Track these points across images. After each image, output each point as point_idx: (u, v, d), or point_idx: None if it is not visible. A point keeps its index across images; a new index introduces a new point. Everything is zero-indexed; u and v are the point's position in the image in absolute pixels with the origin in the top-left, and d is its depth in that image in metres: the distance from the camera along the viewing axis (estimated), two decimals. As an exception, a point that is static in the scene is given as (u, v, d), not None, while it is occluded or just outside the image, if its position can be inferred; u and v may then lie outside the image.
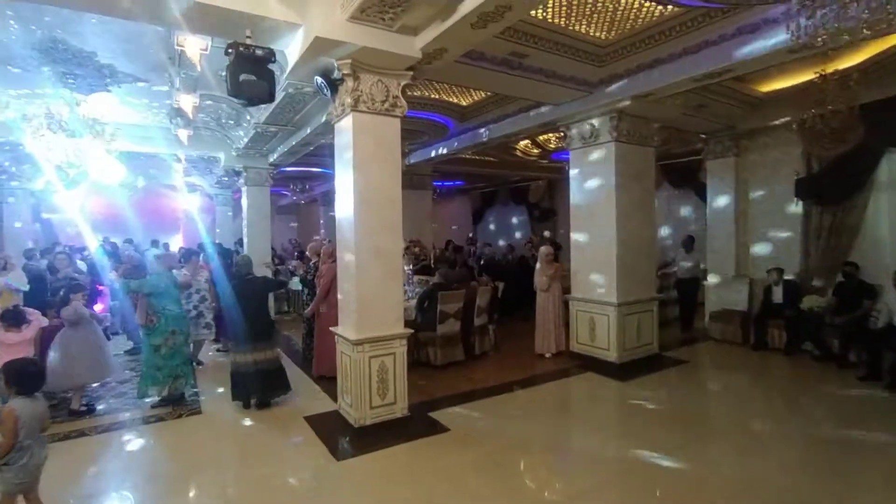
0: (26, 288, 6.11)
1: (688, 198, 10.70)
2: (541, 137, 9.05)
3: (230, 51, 3.47)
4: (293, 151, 7.83)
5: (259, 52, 3.54)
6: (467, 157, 10.69)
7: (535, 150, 10.21)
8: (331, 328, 4.50)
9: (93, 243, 10.49)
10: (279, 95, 5.27)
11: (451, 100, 6.71)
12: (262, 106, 6.07)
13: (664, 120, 6.32)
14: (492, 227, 17.33)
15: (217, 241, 11.61)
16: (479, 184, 16.31)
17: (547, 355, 6.53)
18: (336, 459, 3.79)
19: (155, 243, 12.38)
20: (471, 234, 16.17)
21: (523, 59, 4.88)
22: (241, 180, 9.07)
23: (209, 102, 6.30)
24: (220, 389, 5.40)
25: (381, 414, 4.20)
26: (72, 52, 4.82)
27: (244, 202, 9.27)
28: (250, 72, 3.58)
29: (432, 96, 6.47)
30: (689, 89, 5.26)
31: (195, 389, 5.29)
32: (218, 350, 6.99)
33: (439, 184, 15.14)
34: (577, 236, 6.43)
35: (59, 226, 13.27)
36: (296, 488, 3.47)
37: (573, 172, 6.44)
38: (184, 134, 7.35)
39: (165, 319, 4.85)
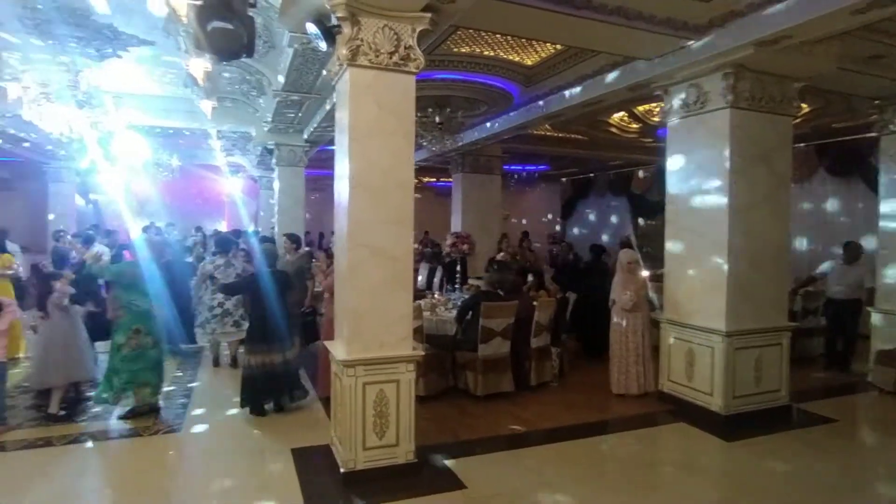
0: (12, 272, 6.54)
1: (852, 190, 9.16)
2: (639, 108, 8.15)
3: (195, -9, 3.26)
4: (326, 124, 7.74)
5: (230, -10, 3.29)
6: (546, 133, 10.03)
7: (635, 126, 9.29)
8: (325, 342, 4.22)
9: (135, 228, 11.33)
10: (287, 53, 5.08)
11: (510, 57, 6.14)
12: (279, 70, 6.01)
13: (811, 78, 5.26)
14: (584, 221, 16.39)
15: (257, 229, 12.05)
16: (569, 169, 15.47)
17: (636, 393, 5.88)
18: (306, 513, 3.49)
19: (199, 229, 13.22)
20: (553, 233, 15.38)
21: (593, -9, 4.23)
22: (273, 160, 9.21)
23: (227, 67, 6.34)
24: (216, 404, 5.40)
25: (378, 457, 3.84)
26: (65, 10, 4.97)
27: (275, 184, 9.43)
28: (223, 17, 3.36)
29: (486, 53, 5.96)
30: (852, 29, 4.24)
31: (184, 401, 5.34)
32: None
33: (517, 167, 14.54)
34: (673, 240, 5.60)
35: (106, 207, 14.65)
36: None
37: (670, 153, 5.62)
38: (207, 106, 7.51)
39: (130, 315, 4.85)
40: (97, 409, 5.16)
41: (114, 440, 4.59)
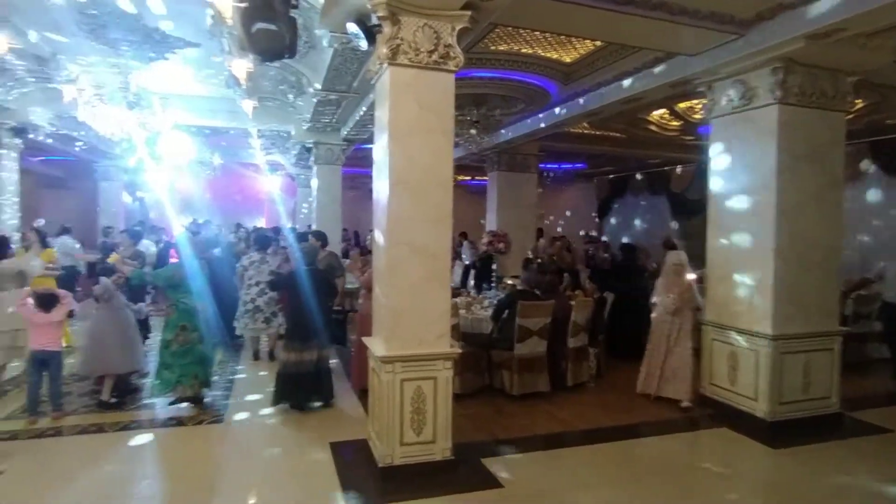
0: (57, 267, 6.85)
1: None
2: (680, 105, 7.96)
3: (241, -6, 3.36)
4: (363, 123, 7.83)
5: (275, -7, 3.38)
6: (584, 131, 9.91)
7: (675, 123, 9.07)
8: (363, 338, 4.27)
9: (177, 225, 11.72)
10: (327, 53, 5.16)
11: (549, 55, 6.09)
12: (319, 70, 6.11)
13: (865, 71, 5.05)
14: (621, 220, 16.11)
15: (294, 226, 12.29)
16: (605, 167, 15.22)
17: (652, 395, 5.71)
18: (345, 506, 3.55)
19: (239, 226, 13.58)
20: (589, 233, 15.14)
21: (636, -13, 4.15)
22: (312, 158, 9.38)
23: (267, 67, 6.47)
24: (256, 396, 5.53)
25: (415, 454, 3.86)
26: (117, 15, 5.18)
27: (314, 182, 9.60)
28: (266, 19, 3.45)
29: (524, 51, 5.91)
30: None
31: (227, 392, 5.54)
32: None
33: (553, 166, 14.39)
34: (717, 239, 5.45)
35: (151, 205, 15.18)
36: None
37: (714, 151, 5.47)
38: (248, 105, 7.70)
39: (177, 313, 5.05)
40: (147, 397, 5.39)
41: (161, 428, 4.76)
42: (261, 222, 15.72)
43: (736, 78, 5.07)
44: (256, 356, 6.88)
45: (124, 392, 5.35)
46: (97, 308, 5.29)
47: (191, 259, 5.40)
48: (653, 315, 5.88)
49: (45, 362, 4.72)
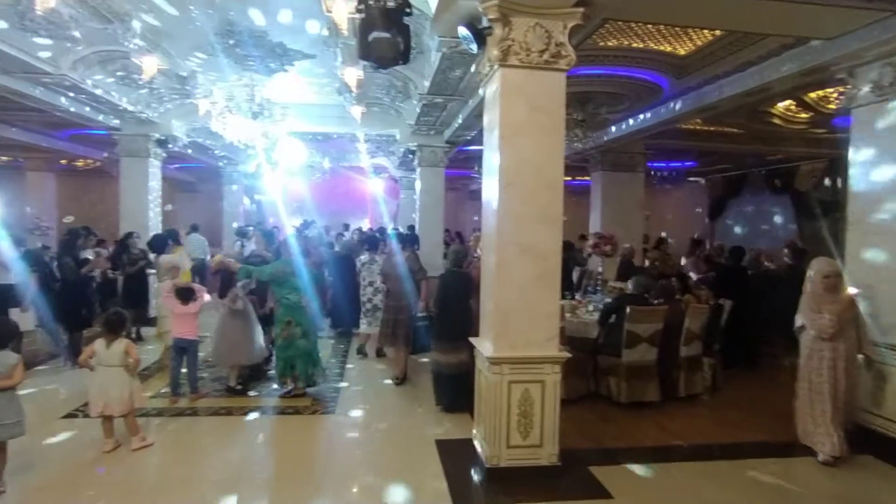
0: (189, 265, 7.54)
1: None
2: (810, 95, 7.23)
3: (360, 6, 3.52)
4: (467, 126, 7.93)
5: (391, 2, 3.50)
6: (696, 127, 9.31)
7: (804, 115, 8.25)
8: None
9: (289, 226, 12.57)
10: (435, 58, 5.27)
11: (661, 48, 5.79)
12: (425, 75, 6.28)
13: None
14: (736, 222, 14.98)
15: (396, 227, 12.70)
16: (719, 165, 14.21)
17: (821, 458, 4.36)
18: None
19: (346, 227, 14.30)
20: (696, 236, 14.19)
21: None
22: (416, 160, 9.64)
23: (375, 75, 6.76)
24: (365, 390, 5.80)
25: (521, 457, 3.84)
26: (247, 33, 5.65)
27: (417, 184, 9.85)
28: (382, 28, 3.58)
29: (634, 45, 5.67)
30: None
31: (339, 385, 5.88)
32: None
33: (660, 164, 13.69)
34: (861, 244, 4.86)
35: (268, 207, 16.41)
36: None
37: (855, 145, 4.92)
38: (357, 111, 8.09)
39: (283, 309, 5.39)
40: (267, 386, 5.84)
41: (279, 415, 5.15)
42: (364, 223, 16.44)
43: (886, 61, 4.51)
44: (360, 351, 7.18)
45: (248, 380, 5.82)
46: (222, 305, 5.83)
47: (298, 257, 5.76)
48: (802, 342, 4.64)
49: (184, 349, 5.27)
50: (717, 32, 5.30)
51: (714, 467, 4.28)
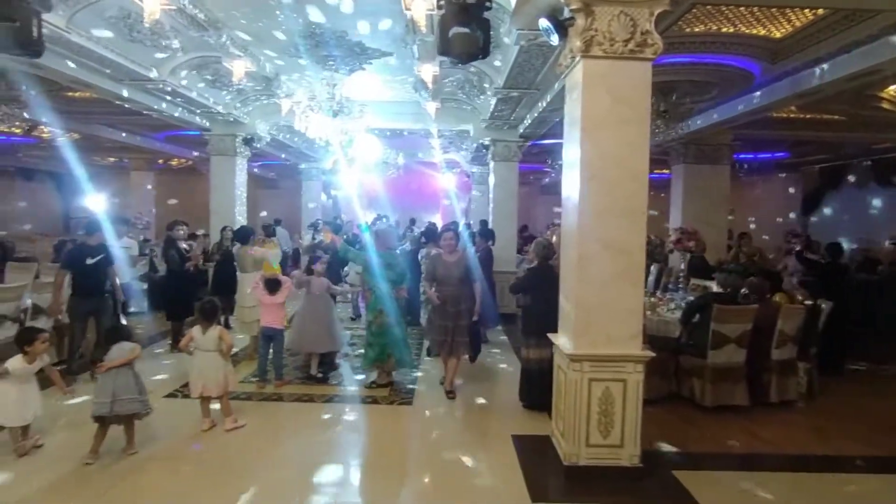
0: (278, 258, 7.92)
1: None
2: (928, 75, 6.55)
3: (441, 2, 3.56)
4: (542, 120, 7.83)
5: (471, -3, 3.52)
6: (789, 115, 8.69)
7: (919, 98, 7.50)
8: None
9: (364, 220, 12.95)
10: (510, 52, 5.24)
11: (754, 31, 5.43)
12: (500, 69, 6.25)
13: None
14: (834, 216, 13.86)
15: (468, 222, 12.73)
16: (814, 155, 13.19)
17: None
18: (532, 501, 3.56)
19: (412, 222, 14.53)
20: (795, 228, 13.26)
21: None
22: (489, 155, 9.63)
23: (450, 71, 6.82)
24: (441, 384, 5.87)
25: (601, 456, 3.77)
26: (329, 34, 5.87)
27: (490, 179, 9.84)
28: (462, 23, 3.61)
29: (723, 30, 5.36)
30: None
31: (415, 374, 6.04)
32: None
33: (747, 156, 12.89)
34: None
35: (343, 202, 17.00)
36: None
37: None
38: (431, 107, 8.19)
39: (374, 297, 5.56)
40: (346, 376, 6.07)
41: (359, 404, 5.32)
42: (436, 218, 16.62)
43: None
44: (429, 353, 7.21)
45: (329, 368, 6.07)
46: (302, 296, 6.08)
47: (372, 251, 5.86)
48: None
49: (271, 337, 5.58)
50: (820, 11, 4.92)
51: (809, 480, 4.02)
